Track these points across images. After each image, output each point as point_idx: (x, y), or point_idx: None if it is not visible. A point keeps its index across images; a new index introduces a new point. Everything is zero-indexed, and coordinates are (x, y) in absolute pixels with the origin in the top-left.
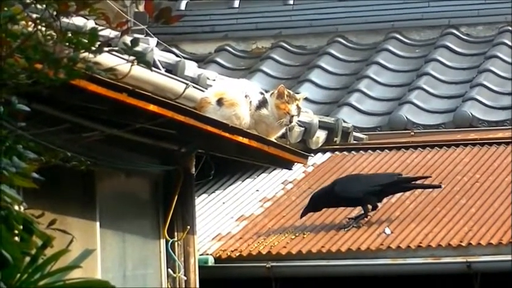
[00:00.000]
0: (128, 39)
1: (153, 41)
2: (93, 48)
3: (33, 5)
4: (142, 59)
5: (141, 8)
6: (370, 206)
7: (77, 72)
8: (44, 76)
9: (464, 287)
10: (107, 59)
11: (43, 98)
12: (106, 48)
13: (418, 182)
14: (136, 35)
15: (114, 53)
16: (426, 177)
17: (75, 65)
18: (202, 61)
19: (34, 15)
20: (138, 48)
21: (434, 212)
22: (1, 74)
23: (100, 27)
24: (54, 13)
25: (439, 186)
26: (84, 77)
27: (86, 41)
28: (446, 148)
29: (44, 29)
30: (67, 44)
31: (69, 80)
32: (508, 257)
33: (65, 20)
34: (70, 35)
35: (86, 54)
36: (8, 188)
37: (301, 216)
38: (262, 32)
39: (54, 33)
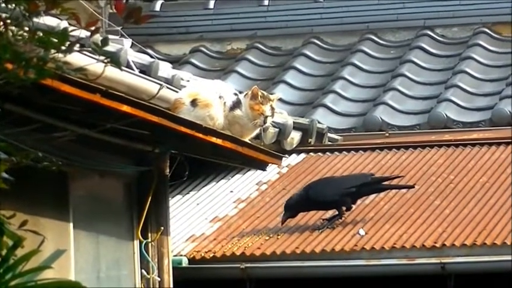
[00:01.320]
0: (100, 39)
1: (127, 42)
2: (63, 47)
3: (2, 5)
4: (112, 59)
5: None
6: (344, 208)
7: (47, 72)
8: (14, 76)
9: None
10: (77, 59)
11: (14, 98)
12: (76, 48)
13: (392, 182)
14: (110, 36)
15: (85, 52)
16: (399, 177)
17: (45, 65)
18: (177, 62)
19: (4, 15)
20: (110, 49)
21: (409, 213)
22: None
23: (72, 28)
24: (26, 13)
25: (412, 187)
26: (57, 78)
27: (56, 41)
28: (421, 149)
29: (14, 28)
30: (37, 43)
31: (39, 80)
32: (482, 258)
33: (36, 20)
34: (41, 34)
35: (56, 53)
36: None
37: (282, 224)
38: (237, 33)
39: (24, 33)
